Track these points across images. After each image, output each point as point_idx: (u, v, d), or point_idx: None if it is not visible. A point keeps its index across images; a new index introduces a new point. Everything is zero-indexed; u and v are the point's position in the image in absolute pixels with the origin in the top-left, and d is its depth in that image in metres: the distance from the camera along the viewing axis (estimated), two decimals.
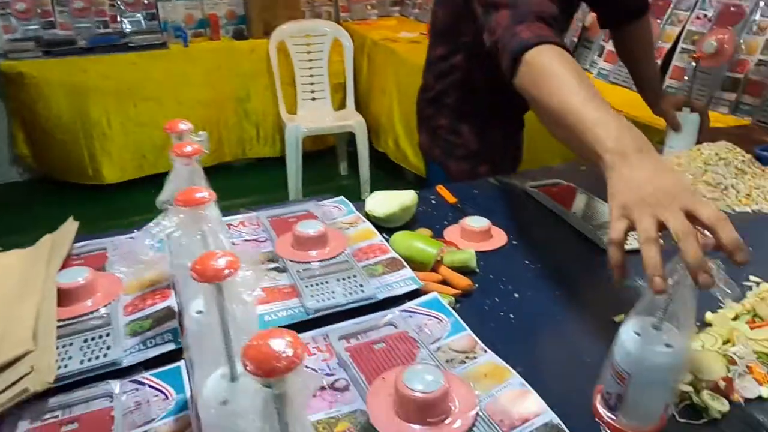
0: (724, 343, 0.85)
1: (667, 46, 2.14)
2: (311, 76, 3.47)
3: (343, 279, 0.93)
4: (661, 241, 0.70)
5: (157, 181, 3.55)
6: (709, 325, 0.91)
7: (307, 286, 0.91)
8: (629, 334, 0.68)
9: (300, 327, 0.85)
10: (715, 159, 1.37)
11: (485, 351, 0.78)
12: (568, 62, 0.92)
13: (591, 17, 2.44)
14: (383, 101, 3.36)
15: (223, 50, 3.44)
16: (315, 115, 3.41)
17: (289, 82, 3.48)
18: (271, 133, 3.63)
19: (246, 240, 1.08)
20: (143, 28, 3.46)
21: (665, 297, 0.66)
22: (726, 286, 0.62)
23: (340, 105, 3.56)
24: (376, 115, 3.43)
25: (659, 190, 0.71)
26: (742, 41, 1.93)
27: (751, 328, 0.87)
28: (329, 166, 3.75)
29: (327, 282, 0.92)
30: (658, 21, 2.20)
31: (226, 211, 1.21)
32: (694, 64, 1.94)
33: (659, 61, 2.15)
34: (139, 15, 3.50)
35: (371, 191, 1.13)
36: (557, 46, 0.96)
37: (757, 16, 1.90)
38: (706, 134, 1.54)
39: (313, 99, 3.50)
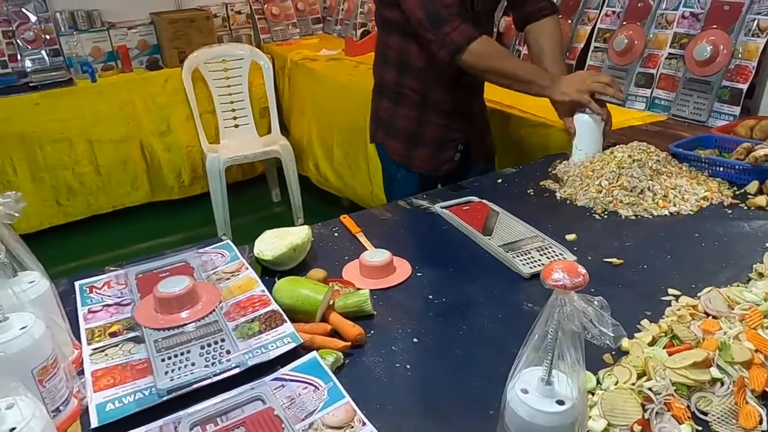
0: (640, 376, 0.75)
1: (581, 45, 2.10)
2: (232, 102, 3.31)
3: (208, 345, 0.80)
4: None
5: (77, 227, 3.27)
6: (626, 353, 0.82)
7: (162, 360, 0.77)
8: (516, 394, 0.57)
9: (152, 411, 0.71)
10: (629, 162, 1.30)
11: (363, 424, 0.66)
12: (497, 45, 1.57)
13: (505, 21, 2.39)
14: (303, 123, 3.23)
15: (135, 82, 3.24)
16: (239, 142, 3.25)
17: (210, 110, 3.31)
18: (198, 166, 3.45)
19: (106, 305, 0.93)
20: (47, 66, 3.24)
21: (548, 342, 0.55)
22: (610, 330, 0.52)
23: (268, 130, 3.42)
24: (299, 138, 3.30)
25: (582, 78, 1.45)
26: (651, 36, 1.90)
27: (669, 353, 0.78)
28: (260, 195, 3.59)
29: (188, 351, 0.78)
30: (570, 21, 2.16)
31: (130, 261, 1.06)
32: (606, 63, 1.90)
33: (573, 63, 2.10)
34: (42, 52, 3.28)
35: (305, 217, 1.02)
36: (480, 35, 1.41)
37: (663, 10, 1.88)
38: (609, 133, 1.49)
39: (237, 126, 3.34)
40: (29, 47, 3.24)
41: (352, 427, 0.66)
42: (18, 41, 3.21)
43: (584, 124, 1.42)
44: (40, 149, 3.04)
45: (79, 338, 0.85)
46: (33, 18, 3.20)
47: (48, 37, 3.25)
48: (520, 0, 1.62)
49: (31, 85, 3.06)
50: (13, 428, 0.50)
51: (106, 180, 3.24)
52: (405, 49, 1.55)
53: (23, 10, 3.19)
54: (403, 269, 1.06)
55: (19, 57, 3.23)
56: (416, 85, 1.58)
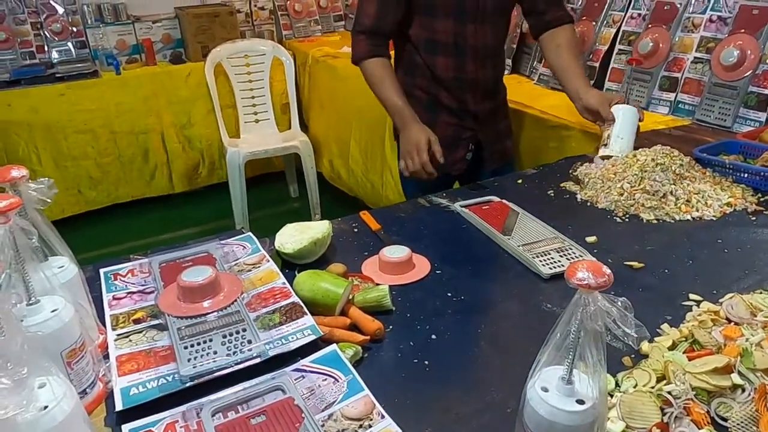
0: (659, 380, 0.75)
1: (605, 48, 2.08)
2: (253, 98, 3.34)
3: (230, 335, 0.81)
4: None
5: (97, 217, 3.34)
6: (646, 356, 0.81)
7: (185, 347, 0.78)
8: (536, 392, 0.57)
9: (175, 397, 0.73)
10: (651, 165, 1.29)
11: (382, 417, 0.67)
12: (382, 71, 1.57)
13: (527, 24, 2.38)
14: (321, 119, 3.25)
15: (158, 76, 3.28)
16: (259, 137, 3.27)
17: (231, 105, 3.35)
18: (217, 159, 3.49)
19: (131, 293, 0.95)
20: (73, 57, 3.29)
21: (570, 342, 0.55)
22: (633, 330, 0.52)
23: (288, 126, 3.44)
24: (317, 134, 3.31)
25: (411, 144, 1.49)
26: (677, 39, 1.88)
27: (690, 358, 0.78)
28: (279, 190, 3.61)
29: (210, 340, 0.80)
30: (594, 23, 2.15)
31: (145, 251, 1.08)
32: (630, 67, 1.89)
33: (597, 65, 2.09)
34: (69, 44, 3.33)
35: (322, 213, 1.04)
36: (378, 57, 1.57)
37: (690, 13, 1.86)
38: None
39: (257, 121, 3.37)
40: (56, 39, 3.30)
41: (371, 420, 0.67)
42: (45, 32, 3.27)
43: (627, 111, 1.42)
44: (65, 139, 3.09)
45: (104, 324, 0.87)
46: (60, 10, 3.26)
47: (75, 29, 3.31)
48: (535, 7, 1.63)
49: (57, 76, 3.11)
50: (46, 406, 0.51)
51: (127, 170, 3.29)
52: (413, 50, 1.60)
53: (51, 2, 3.25)
54: (422, 266, 1.07)
55: (46, 48, 3.28)
56: (425, 85, 1.62)
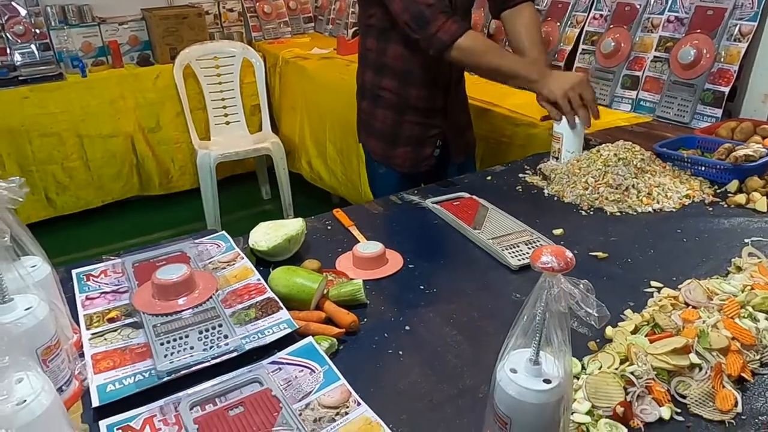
0: (623, 362, 0.78)
1: (569, 48, 2.14)
2: (223, 99, 3.32)
3: (206, 330, 0.81)
4: None
5: (66, 222, 3.27)
6: (610, 340, 0.85)
7: (162, 344, 0.79)
8: (505, 373, 0.60)
9: (152, 393, 0.73)
10: (614, 160, 1.34)
11: (358, 404, 0.69)
12: (483, 40, 1.57)
13: (495, 23, 2.43)
14: (295, 121, 3.25)
15: (125, 78, 3.23)
16: (230, 139, 3.26)
17: (201, 107, 3.32)
18: (187, 161, 3.46)
19: (104, 293, 0.95)
20: (37, 60, 3.23)
21: (536, 324, 0.58)
22: (595, 310, 0.55)
23: (259, 127, 3.43)
24: (290, 135, 3.31)
25: (572, 83, 1.43)
26: (637, 39, 1.94)
27: (651, 341, 0.81)
28: (251, 192, 3.60)
29: (187, 336, 0.80)
30: (558, 24, 2.20)
31: (129, 250, 1.08)
32: (594, 65, 1.94)
33: (561, 64, 2.15)
34: (32, 46, 3.26)
35: (295, 214, 1.04)
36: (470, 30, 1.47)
37: (649, 14, 1.92)
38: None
39: (227, 123, 3.35)
40: (19, 41, 3.22)
41: (348, 407, 0.68)
42: (7, 35, 3.19)
43: (573, 130, 1.44)
44: (30, 143, 3.03)
45: (78, 324, 0.87)
46: (23, 12, 3.18)
47: (38, 31, 3.23)
48: None
49: (20, 78, 3.05)
50: (24, 400, 0.52)
51: (95, 175, 3.24)
52: (382, 50, 1.60)
53: (13, 3, 3.17)
54: (395, 261, 1.09)
55: (8, 51, 3.20)
56: (393, 85, 1.62)
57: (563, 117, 1.44)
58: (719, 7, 1.74)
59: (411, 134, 1.65)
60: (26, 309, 0.66)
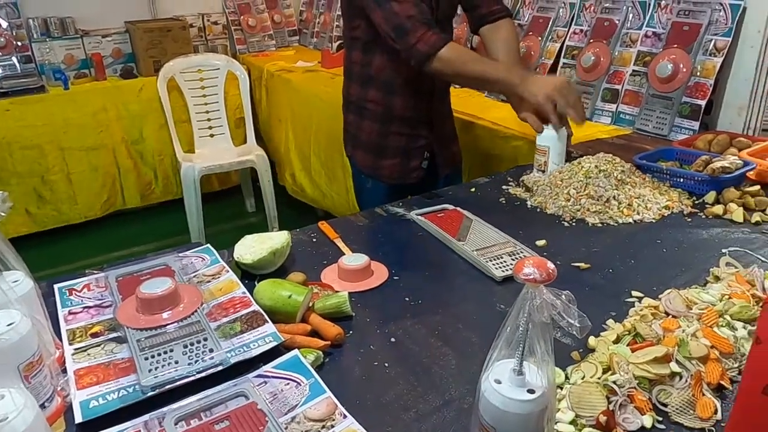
0: (605, 371, 0.79)
1: (550, 62, 2.18)
2: (207, 112, 3.31)
3: (191, 344, 0.81)
4: None
5: (48, 236, 3.22)
6: (593, 350, 0.86)
7: (146, 358, 0.78)
8: (490, 384, 0.61)
9: (136, 408, 0.73)
10: (595, 172, 1.36)
11: (345, 416, 0.69)
12: (464, 50, 1.59)
13: (477, 39, 2.46)
14: (280, 133, 3.26)
15: (109, 91, 3.21)
16: (214, 152, 3.25)
17: (185, 119, 3.31)
18: (171, 174, 3.44)
19: (87, 307, 0.94)
20: (18, 72, 3.20)
21: (519, 335, 0.59)
22: (576, 321, 0.56)
23: (243, 140, 3.43)
24: (275, 148, 3.32)
25: (555, 85, 1.40)
26: (616, 53, 1.99)
27: (632, 350, 0.83)
28: (235, 204, 3.58)
29: (171, 350, 0.80)
30: (540, 39, 2.24)
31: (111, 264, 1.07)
32: (575, 77, 1.98)
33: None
34: (13, 59, 3.24)
35: (280, 227, 1.04)
36: (446, 42, 1.45)
37: (628, 29, 1.97)
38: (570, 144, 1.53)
39: (212, 136, 3.35)
40: (0, 53, 3.20)
41: (334, 420, 0.69)
42: None
43: (556, 141, 1.46)
44: (10, 156, 3.00)
45: (60, 339, 0.86)
46: (4, 24, 3.16)
47: (19, 43, 3.21)
48: (473, 3, 1.68)
49: (1, 91, 3.02)
50: (6, 417, 0.51)
51: (77, 188, 3.21)
52: (367, 62, 1.61)
53: None
54: (380, 273, 1.10)
55: None
56: (379, 97, 1.63)
57: (545, 129, 1.46)
58: (695, 22, 1.78)
59: (398, 145, 1.66)
60: (8, 324, 0.66)
